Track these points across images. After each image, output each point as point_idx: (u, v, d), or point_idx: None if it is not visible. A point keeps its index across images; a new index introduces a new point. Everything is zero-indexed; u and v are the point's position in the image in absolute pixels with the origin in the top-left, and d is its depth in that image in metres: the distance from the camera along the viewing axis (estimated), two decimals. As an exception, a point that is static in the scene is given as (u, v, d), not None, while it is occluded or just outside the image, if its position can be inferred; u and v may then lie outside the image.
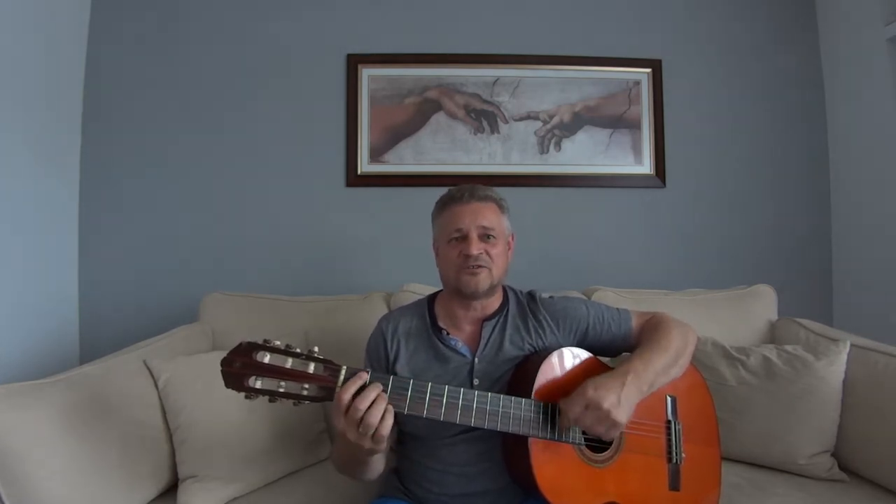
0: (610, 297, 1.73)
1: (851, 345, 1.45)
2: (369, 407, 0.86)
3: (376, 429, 0.86)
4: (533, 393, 1.00)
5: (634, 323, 1.21)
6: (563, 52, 2.14)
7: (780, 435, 1.41)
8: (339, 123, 2.10)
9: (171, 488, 1.29)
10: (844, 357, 1.43)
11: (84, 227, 2.01)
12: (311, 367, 0.87)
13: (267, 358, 0.85)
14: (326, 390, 0.87)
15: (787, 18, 2.20)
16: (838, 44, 2.12)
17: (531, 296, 1.24)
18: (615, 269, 2.10)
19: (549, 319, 1.18)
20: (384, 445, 0.90)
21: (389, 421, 0.87)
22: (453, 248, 1.13)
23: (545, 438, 0.98)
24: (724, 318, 1.71)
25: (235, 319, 1.70)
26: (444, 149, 2.11)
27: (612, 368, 1.07)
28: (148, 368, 1.34)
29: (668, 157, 2.15)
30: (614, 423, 0.95)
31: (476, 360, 1.11)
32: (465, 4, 2.15)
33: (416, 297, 1.36)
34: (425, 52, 2.12)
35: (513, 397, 0.99)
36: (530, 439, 0.97)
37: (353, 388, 0.87)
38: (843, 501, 1.26)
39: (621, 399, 0.96)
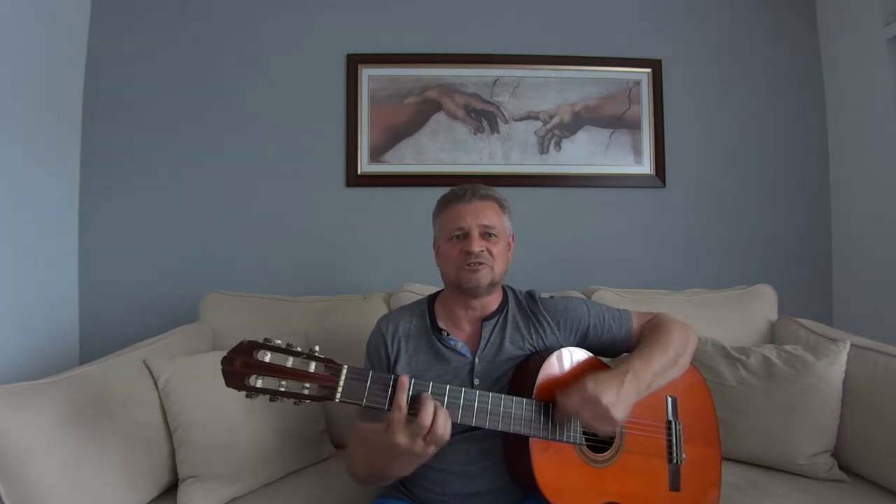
0: (610, 297, 1.73)
1: (851, 345, 1.45)
2: (434, 418, 0.87)
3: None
4: (534, 393, 1.00)
5: (635, 323, 1.21)
6: (563, 52, 2.14)
7: (780, 435, 1.41)
8: (339, 123, 2.10)
9: (172, 488, 1.29)
10: (844, 357, 1.43)
11: (84, 227, 2.01)
12: (312, 367, 0.86)
13: (268, 357, 0.85)
14: (327, 389, 0.87)
15: (787, 18, 2.20)
16: (838, 44, 2.13)
17: (531, 295, 1.24)
18: (615, 269, 2.10)
19: (549, 319, 1.18)
20: None
21: (450, 423, 0.90)
22: (454, 245, 1.13)
23: (546, 438, 0.98)
24: (724, 318, 1.71)
25: (235, 319, 1.70)
26: (444, 149, 2.11)
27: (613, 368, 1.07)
28: (148, 368, 1.34)
29: (668, 157, 2.15)
30: (611, 420, 0.96)
31: (476, 360, 1.11)
32: (465, 4, 2.15)
33: (416, 297, 1.36)
34: (425, 52, 2.12)
35: (514, 397, 0.99)
36: (531, 439, 0.98)
37: (404, 398, 0.88)
38: (843, 501, 1.26)
39: (620, 397, 0.96)
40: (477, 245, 1.10)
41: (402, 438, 0.87)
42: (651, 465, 1.09)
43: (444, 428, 0.88)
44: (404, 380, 0.89)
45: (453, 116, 2.12)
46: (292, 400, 0.85)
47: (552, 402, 1.00)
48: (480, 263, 1.11)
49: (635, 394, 1.00)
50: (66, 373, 1.23)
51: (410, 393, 0.89)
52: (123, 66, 2.04)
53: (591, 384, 0.96)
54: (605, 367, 1.11)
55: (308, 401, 0.86)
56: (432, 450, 0.89)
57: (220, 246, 2.05)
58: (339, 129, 2.10)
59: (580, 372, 1.07)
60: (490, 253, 1.12)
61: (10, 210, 1.67)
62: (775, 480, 1.35)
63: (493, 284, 1.14)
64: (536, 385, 1.01)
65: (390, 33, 2.12)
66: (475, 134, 2.12)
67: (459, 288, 1.14)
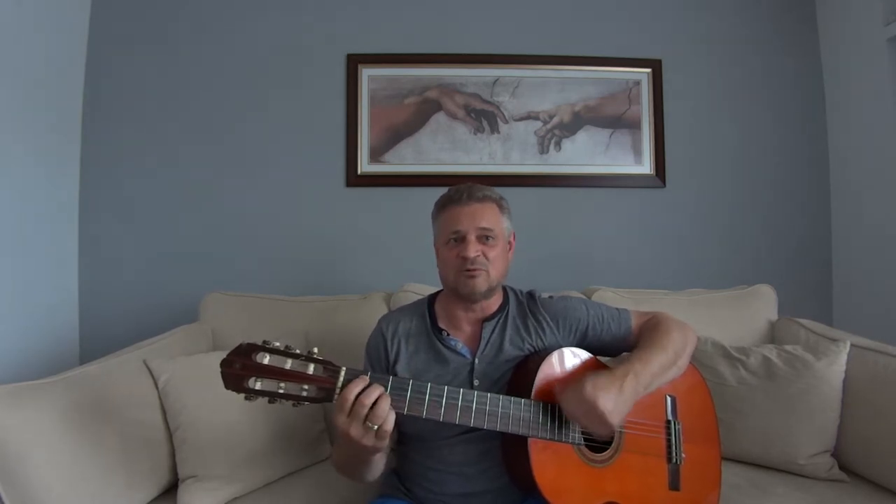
0: (610, 297, 1.73)
1: (851, 345, 1.45)
2: (374, 404, 0.86)
3: (380, 425, 0.86)
4: (532, 393, 1.00)
5: (634, 323, 1.20)
6: (563, 52, 2.14)
7: (780, 435, 1.41)
8: (339, 123, 2.10)
9: (172, 488, 1.29)
10: (844, 357, 1.43)
11: (84, 228, 2.01)
12: (311, 369, 0.87)
13: (266, 359, 0.85)
14: (326, 391, 0.87)
15: (787, 18, 2.20)
16: (838, 44, 2.12)
17: (531, 296, 1.24)
18: (615, 269, 2.10)
19: (548, 319, 1.18)
20: (386, 443, 0.90)
21: (393, 417, 0.88)
22: (451, 249, 1.13)
23: (545, 439, 0.98)
24: (724, 318, 1.71)
25: (235, 319, 1.70)
26: (444, 149, 2.11)
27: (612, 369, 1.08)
28: (148, 368, 1.34)
29: (668, 157, 2.15)
30: (607, 425, 0.95)
31: (476, 360, 1.11)
32: (465, 4, 2.15)
33: (416, 297, 1.35)
34: (425, 52, 2.12)
35: (512, 398, 0.99)
36: (530, 439, 0.97)
37: (356, 388, 0.87)
38: (843, 501, 1.26)
39: (618, 402, 0.95)
40: (473, 250, 1.10)
41: (341, 419, 0.86)
42: (650, 465, 1.08)
43: (383, 409, 0.87)
44: (364, 377, 0.89)
45: (453, 116, 2.12)
46: (291, 402, 0.85)
47: (551, 402, 1.00)
48: (477, 269, 1.10)
49: (634, 396, 0.99)
50: (66, 373, 1.23)
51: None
52: (123, 67, 2.04)
53: (590, 387, 0.95)
54: (604, 367, 1.11)
55: (306, 402, 0.86)
56: (371, 439, 0.87)
57: (220, 246, 2.06)
58: (339, 129, 2.10)
59: (579, 372, 1.07)
60: (486, 257, 1.11)
61: (10, 210, 1.67)
62: (775, 480, 1.35)
63: (490, 289, 1.14)
64: (535, 385, 1.01)
65: (390, 33, 2.12)
66: (475, 134, 2.12)
67: (456, 293, 1.14)
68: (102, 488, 1.12)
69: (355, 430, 0.86)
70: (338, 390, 0.87)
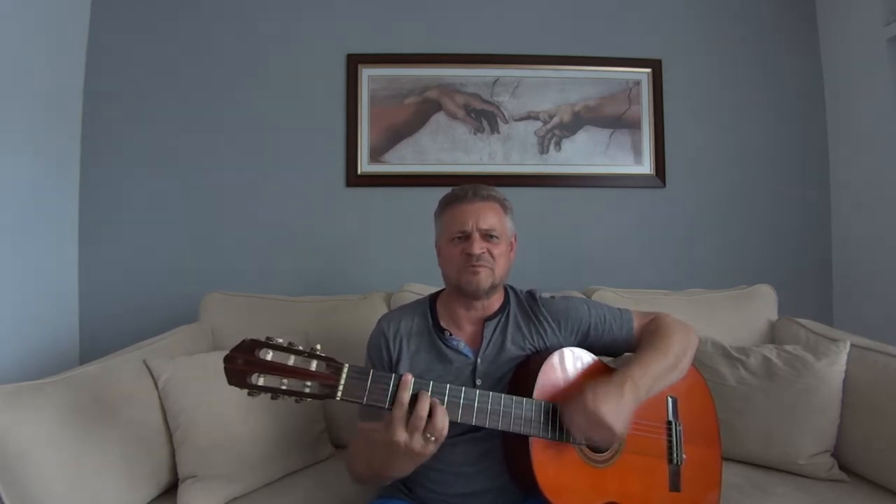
0: (610, 297, 1.73)
1: (851, 345, 1.45)
2: (430, 413, 0.88)
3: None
4: (534, 393, 1.00)
5: (636, 323, 1.20)
6: (563, 52, 2.14)
7: (780, 435, 1.41)
8: (339, 123, 2.10)
9: (172, 488, 1.29)
10: (844, 357, 1.43)
11: (84, 228, 2.01)
12: (314, 365, 0.86)
13: (269, 355, 0.85)
14: (329, 388, 0.87)
15: (787, 18, 2.21)
16: (838, 44, 2.13)
17: (531, 295, 1.24)
18: (615, 269, 2.10)
19: (550, 319, 1.18)
20: None
21: (448, 419, 0.90)
22: (455, 246, 1.13)
23: (546, 438, 0.98)
24: (724, 318, 1.71)
25: (235, 319, 1.70)
26: (444, 149, 2.11)
27: (613, 369, 1.08)
28: (148, 368, 1.34)
29: (668, 157, 2.15)
30: (612, 436, 0.96)
31: (479, 360, 1.11)
32: (465, 4, 2.15)
33: (417, 298, 1.35)
34: (425, 52, 2.12)
35: (514, 397, 0.98)
36: (531, 439, 0.97)
37: (406, 396, 0.88)
38: (843, 501, 1.26)
39: (619, 411, 0.95)
40: (478, 247, 1.10)
41: (401, 435, 0.87)
42: (651, 466, 1.08)
43: (442, 422, 0.88)
44: (408, 378, 0.90)
45: (453, 116, 2.12)
46: (293, 398, 0.85)
47: (552, 402, 1.00)
48: (481, 265, 1.11)
49: (634, 402, 0.99)
50: (66, 373, 1.23)
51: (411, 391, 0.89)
52: (123, 67, 2.04)
53: (591, 399, 0.95)
54: (605, 368, 1.11)
55: (309, 399, 0.86)
56: (432, 448, 0.89)
57: (220, 246, 2.05)
58: (339, 129, 2.10)
59: (580, 372, 1.07)
60: (491, 254, 1.12)
61: (10, 210, 1.67)
62: (775, 480, 1.35)
63: (493, 287, 1.14)
64: (536, 385, 1.01)
65: (390, 33, 2.12)
66: (475, 134, 2.12)
67: (460, 290, 1.14)
68: (102, 488, 1.12)
69: (417, 443, 0.87)
70: (340, 387, 0.87)
